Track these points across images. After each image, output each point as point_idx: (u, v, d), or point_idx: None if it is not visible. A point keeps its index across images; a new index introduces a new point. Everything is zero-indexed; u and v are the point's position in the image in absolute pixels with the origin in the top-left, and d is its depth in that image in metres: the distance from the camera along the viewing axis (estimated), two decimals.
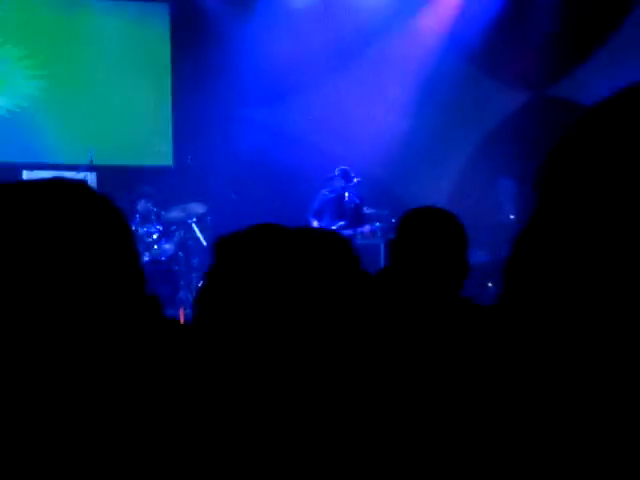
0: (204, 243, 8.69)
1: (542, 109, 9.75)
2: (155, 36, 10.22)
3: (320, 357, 1.64)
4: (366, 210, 9.08)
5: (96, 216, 1.39)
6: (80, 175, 8.36)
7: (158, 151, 10.03)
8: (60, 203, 1.36)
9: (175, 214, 8.79)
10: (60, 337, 1.31)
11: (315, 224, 8.62)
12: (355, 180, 8.89)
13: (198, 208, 8.92)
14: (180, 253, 8.60)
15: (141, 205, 8.74)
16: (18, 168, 9.16)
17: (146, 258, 8.07)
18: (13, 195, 1.38)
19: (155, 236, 8.53)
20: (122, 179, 9.18)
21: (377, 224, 8.90)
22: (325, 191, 9.05)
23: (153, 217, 8.80)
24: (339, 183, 8.93)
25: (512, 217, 8.98)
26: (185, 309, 8.16)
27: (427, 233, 2.89)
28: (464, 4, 9.64)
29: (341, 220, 8.79)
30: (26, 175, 9.03)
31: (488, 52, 9.66)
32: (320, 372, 1.64)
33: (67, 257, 1.34)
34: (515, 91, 10.05)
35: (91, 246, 1.37)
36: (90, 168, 8.88)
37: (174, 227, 8.81)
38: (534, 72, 9.78)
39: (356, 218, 8.88)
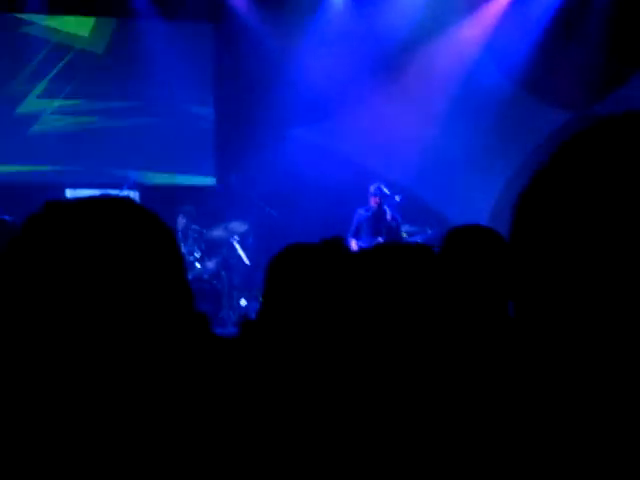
0: (246, 261, 8.93)
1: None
2: (199, 55, 10.49)
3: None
4: (409, 228, 9.18)
5: (148, 233, 1.41)
6: (123, 193, 8.56)
7: (201, 171, 10.41)
8: (113, 220, 1.38)
9: (217, 233, 9.03)
10: (114, 351, 1.33)
11: (354, 244, 8.72)
12: (397, 198, 9.05)
13: (240, 227, 9.18)
14: (222, 272, 8.79)
15: (181, 224, 9.00)
16: (61, 187, 9.60)
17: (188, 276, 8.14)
18: (66, 213, 1.40)
19: (197, 254, 8.77)
20: (164, 198, 9.32)
21: (418, 240, 8.78)
22: (361, 210, 9.21)
23: (194, 235, 9.02)
24: (375, 200, 9.06)
25: None
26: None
27: (474, 250, 2.90)
28: (508, 16, 9.75)
29: (378, 237, 8.83)
30: (69, 193, 9.50)
31: (531, 69, 9.78)
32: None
33: (124, 273, 1.35)
34: (557, 109, 10.11)
35: (145, 263, 1.39)
36: (133, 187, 9.32)
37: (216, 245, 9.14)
38: (577, 90, 9.83)
39: (394, 235, 8.93)
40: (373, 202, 9.15)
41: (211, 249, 9.17)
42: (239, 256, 9.14)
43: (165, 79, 10.25)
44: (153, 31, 10.14)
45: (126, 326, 1.36)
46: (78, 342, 1.32)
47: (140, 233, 1.38)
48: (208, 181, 10.56)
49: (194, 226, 9.11)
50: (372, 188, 9.15)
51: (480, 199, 9.63)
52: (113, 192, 8.48)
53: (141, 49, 10.18)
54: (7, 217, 7.46)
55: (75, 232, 1.35)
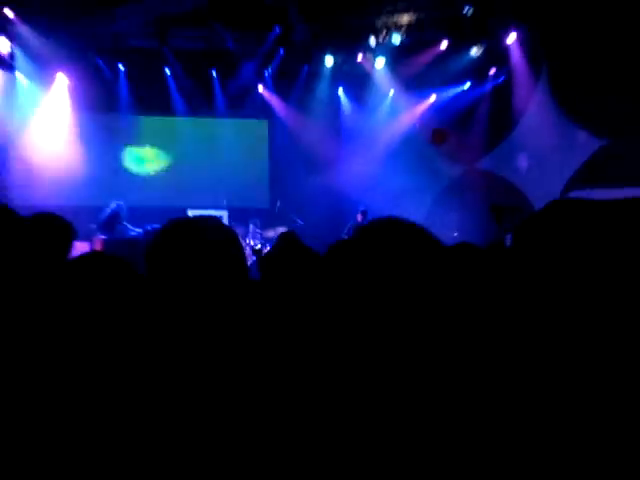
0: None
1: (473, 178, 15.22)
2: (259, 132, 16.72)
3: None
4: None
5: (228, 236, 2.14)
6: (220, 212, 14.39)
7: (261, 199, 16.26)
8: (215, 229, 2.13)
9: (270, 233, 14.12)
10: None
11: None
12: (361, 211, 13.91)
13: (281, 229, 13.39)
14: None
15: (251, 228, 14.24)
16: (184, 208, 14.31)
17: (253, 258, 12.14)
18: (192, 225, 2.13)
19: (259, 246, 13.33)
20: (241, 215, 14.57)
21: None
22: (351, 221, 14.02)
23: (257, 233, 14.08)
24: (359, 216, 13.82)
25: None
26: None
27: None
28: (432, 107, 15.53)
29: None
30: (190, 213, 13.80)
31: (446, 140, 15.23)
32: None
33: (218, 259, 2.04)
34: (457, 164, 15.59)
35: (228, 253, 2.08)
36: (225, 208, 14.84)
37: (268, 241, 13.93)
38: (468, 152, 15.22)
39: None
40: (358, 217, 13.88)
41: (266, 242, 13.69)
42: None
43: (237, 145, 16.10)
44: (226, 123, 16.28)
45: (221, 289, 1.99)
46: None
47: (222, 235, 2.12)
48: (264, 205, 15.94)
49: (257, 229, 14.15)
50: (360, 209, 13.94)
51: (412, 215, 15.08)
52: (213, 212, 14.03)
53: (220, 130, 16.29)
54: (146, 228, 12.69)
55: (193, 236, 2.06)
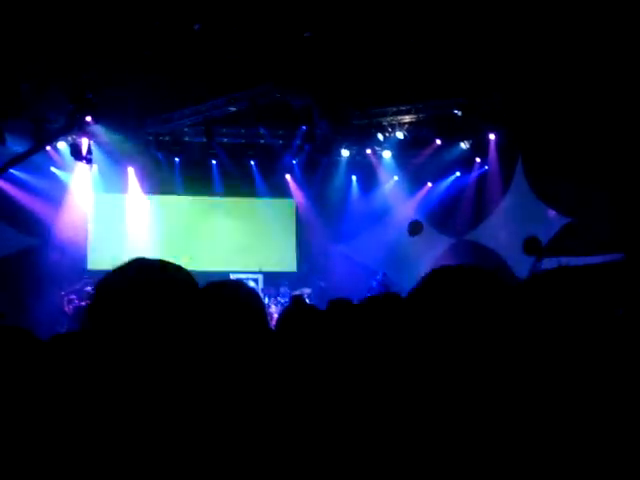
0: None
1: (462, 248, 18.22)
2: (288, 209, 19.95)
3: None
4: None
5: (253, 297, 2.46)
6: (257, 275, 17.79)
7: (290, 264, 19.31)
8: (242, 291, 2.49)
9: (297, 292, 16.35)
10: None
11: None
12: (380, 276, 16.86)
13: (307, 290, 17.06)
14: None
15: (282, 288, 17.24)
16: (226, 273, 16.95)
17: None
18: (226, 286, 2.54)
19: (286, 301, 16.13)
20: (273, 278, 17.90)
21: None
22: (372, 283, 16.62)
23: (287, 293, 16.90)
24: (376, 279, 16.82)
25: None
26: None
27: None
28: (429, 192, 19.02)
29: None
30: (232, 277, 16.64)
31: (435, 215, 18.54)
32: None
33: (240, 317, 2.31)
34: (447, 238, 18.74)
35: (252, 312, 2.37)
36: (259, 272, 17.95)
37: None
38: (457, 226, 18.37)
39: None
40: (375, 281, 16.62)
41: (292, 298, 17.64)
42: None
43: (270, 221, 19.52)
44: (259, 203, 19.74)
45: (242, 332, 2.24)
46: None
47: (247, 296, 2.47)
48: (292, 269, 19.14)
49: (287, 289, 17.10)
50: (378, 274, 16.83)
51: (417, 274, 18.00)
52: (250, 275, 17.41)
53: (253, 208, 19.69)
54: None
55: (225, 295, 2.45)
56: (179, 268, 1.92)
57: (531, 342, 1.88)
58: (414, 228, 17.40)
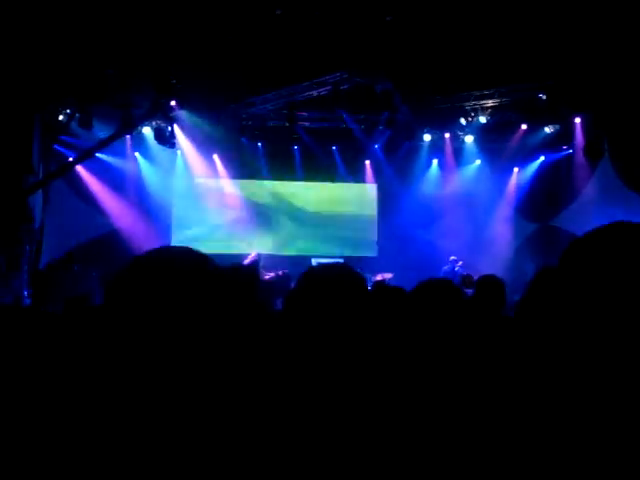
0: None
1: (546, 233, 18.11)
2: (370, 194, 20.07)
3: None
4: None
5: (354, 277, 2.27)
6: (339, 260, 17.04)
7: (371, 249, 19.59)
8: (332, 271, 2.32)
9: (377, 278, 15.88)
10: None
11: None
12: (460, 263, 16.95)
13: (388, 275, 16.50)
14: None
15: (364, 273, 17.95)
16: (309, 257, 17.47)
17: None
18: (314, 272, 2.33)
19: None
20: (354, 262, 16.68)
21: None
22: (445, 267, 16.89)
23: (369, 278, 17.37)
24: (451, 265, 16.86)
25: None
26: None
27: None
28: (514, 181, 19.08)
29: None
30: (314, 261, 16.86)
31: (522, 200, 18.59)
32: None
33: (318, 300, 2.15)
34: (530, 223, 18.62)
35: (356, 287, 2.20)
36: (341, 257, 17.69)
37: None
38: (541, 211, 18.27)
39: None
40: (451, 265, 16.80)
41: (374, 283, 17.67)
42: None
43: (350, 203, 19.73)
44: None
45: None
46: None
47: (345, 273, 2.29)
48: (374, 253, 19.28)
49: (367, 274, 17.62)
50: (451, 258, 17.00)
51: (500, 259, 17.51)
52: (332, 260, 17.10)
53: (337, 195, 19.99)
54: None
55: (313, 280, 2.26)
56: (204, 257, 1.76)
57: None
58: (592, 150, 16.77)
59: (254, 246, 17.16)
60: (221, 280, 1.66)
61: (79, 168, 16.90)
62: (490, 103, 17.44)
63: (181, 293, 1.58)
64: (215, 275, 1.67)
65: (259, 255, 16.22)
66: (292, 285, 2.31)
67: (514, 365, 1.75)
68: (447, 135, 18.60)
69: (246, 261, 15.99)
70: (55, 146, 16.24)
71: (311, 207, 19.52)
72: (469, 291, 13.43)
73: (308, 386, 1.85)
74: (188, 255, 1.70)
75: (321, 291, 2.18)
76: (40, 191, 15.79)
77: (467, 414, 1.86)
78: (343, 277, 2.25)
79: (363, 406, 1.84)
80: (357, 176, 19.76)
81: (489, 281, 5.79)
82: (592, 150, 16.45)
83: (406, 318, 3.16)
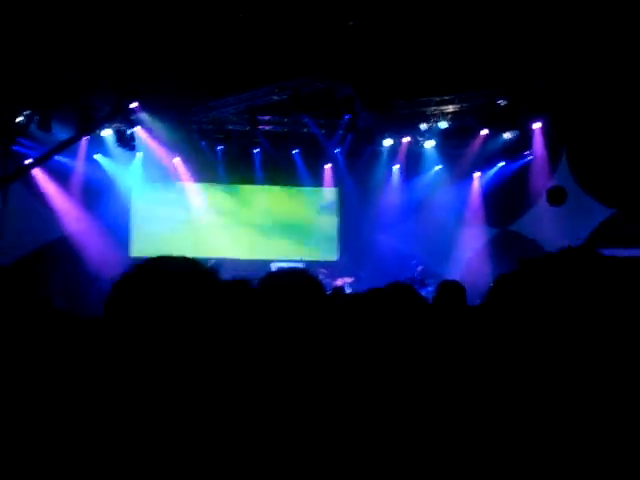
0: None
1: (504, 239, 18.16)
2: (331, 198, 20.05)
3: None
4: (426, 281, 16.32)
5: (312, 283, 2.37)
6: (299, 264, 16.31)
7: (331, 252, 19.73)
8: (301, 278, 2.40)
9: (337, 282, 16.61)
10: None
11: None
12: (419, 268, 16.96)
13: (349, 279, 17.14)
14: None
15: (322, 274, 16.64)
16: (267, 261, 17.27)
17: None
18: (274, 276, 2.45)
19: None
20: (314, 267, 16.88)
21: (429, 289, 14.96)
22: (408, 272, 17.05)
23: (326, 282, 16.27)
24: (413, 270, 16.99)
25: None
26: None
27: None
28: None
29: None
30: (272, 266, 16.45)
31: (481, 205, 18.71)
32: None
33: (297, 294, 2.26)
34: (489, 228, 18.64)
35: (314, 294, 2.31)
36: (300, 261, 17.25)
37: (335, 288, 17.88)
38: (500, 216, 18.32)
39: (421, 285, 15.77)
40: (415, 270, 16.83)
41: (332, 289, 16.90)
42: (347, 292, 14.37)
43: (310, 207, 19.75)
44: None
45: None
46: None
47: (303, 279, 2.39)
48: (334, 257, 19.21)
49: (327, 279, 16.31)
50: (413, 264, 16.99)
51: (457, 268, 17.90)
52: (295, 264, 15.88)
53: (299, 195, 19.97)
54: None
55: (280, 281, 2.39)
56: (198, 264, 1.86)
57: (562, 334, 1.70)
58: (556, 195, 16.57)
59: (213, 250, 17.01)
60: (220, 289, 1.74)
61: (36, 170, 16.63)
62: (450, 108, 17.57)
63: (182, 299, 1.65)
64: (215, 285, 1.75)
65: (217, 262, 16.07)
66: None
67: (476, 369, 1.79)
68: (405, 140, 18.54)
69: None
70: (13, 147, 15.96)
71: (271, 211, 19.43)
72: (424, 290, 14.38)
73: (267, 389, 1.85)
74: (188, 265, 1.79)
75: (278, 297, 2.21)
76: None
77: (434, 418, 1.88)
78: (301, 283, 2.29)
79: (320, 409, 1.84)
80: (318, 180, 19.73)
81: (450, 286, 5.88)
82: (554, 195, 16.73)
83: (364, 322, 2.97)
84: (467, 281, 6.55)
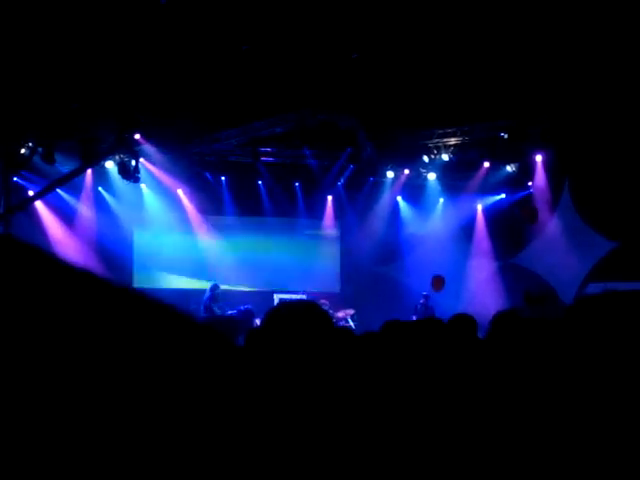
0: (352, 326, 15.47)
1: (507, 271, 18.05)
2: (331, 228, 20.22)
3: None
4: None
5: (313, 312, 2.35)
6: (301, 296, 16.84)
7: (334, 285, 19.54)
8: (299, 309, 2.40)
9: (339, 314, 16.45)
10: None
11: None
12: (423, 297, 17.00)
13: (350, 311, 16.90)
14: None
15: (324, 306, 17.78)
16: (271, 292, 17.79)
17: None
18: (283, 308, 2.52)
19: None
20: (316, 299, 16.63)
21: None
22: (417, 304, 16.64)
23: (331, 314, 17.38)
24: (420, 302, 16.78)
25: None
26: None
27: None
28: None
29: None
30: (276, 296, 17.48)
31: (483, 237, 18.71)
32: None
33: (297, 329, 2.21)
34: (493, 261, 18.52)
35: (316, 322, 2.27)
36: (303, 292, 17.45)
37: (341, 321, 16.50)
38: (502, 249, 18.29)
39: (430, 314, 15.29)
40: (421, 300, 16.53)
41: (337, 321, 15.89)
42: (351, 327, 15.16)
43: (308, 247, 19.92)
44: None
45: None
46: None
47: (308, 311, 2.36)
48: (336, 290, 19.15)
49: (330, 310, 16.86)
50: (422, 294, 16.78)
51: (463, 296, 17.79)
52: (293, 296, 16.92)
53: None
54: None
55: (285, 314, 2.38)
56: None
57: (576, 369, 1.77)
58: (437, 282, 17.49)
59: (216, 281, 16.93)
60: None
61: (38, 203, 16.64)
62: (452, 141, 17.62)
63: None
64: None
65: (215, 285, 16.07)
66: (255, 321, 2.50)
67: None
68: (406, 172, 18.59)
69: (204, 297, 15.90)
70: (16, 179, 15.96)
71: (273, 243, 19.37)
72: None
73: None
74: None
75: (289, 328, 2.19)
76: None
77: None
78: (310, 315, 2.27)
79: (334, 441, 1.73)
80: (319, 212, 19.71)
81: (461, 319, 5.76)
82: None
83: (377, 357, 3.17)
84: (472, 312, 6.62)
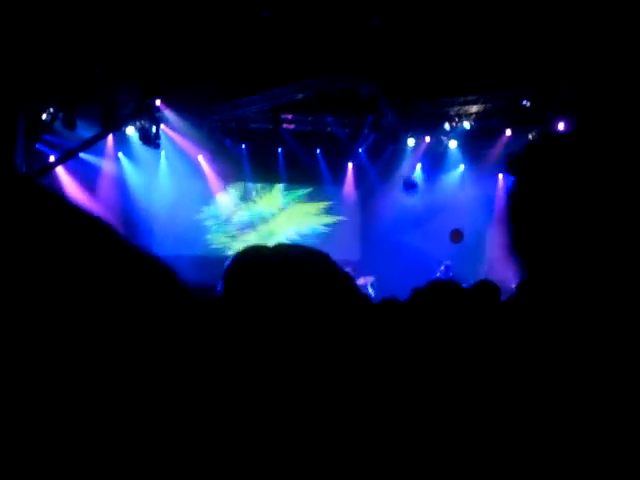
0: (372, 294, 15.31)
1: None
2: (353, 197, 20.20)
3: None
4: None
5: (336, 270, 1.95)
6: None
7: (355, 252, 19.78)
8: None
9: (360, 281, 15.49)
10: None
11: None
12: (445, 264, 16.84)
13: (371, 278, 16.47)
14: None
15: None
16: None
17: None
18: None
19: None
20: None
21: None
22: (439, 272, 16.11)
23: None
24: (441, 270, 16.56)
25: None
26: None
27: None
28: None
29: None
30: None
31: (501, 207, 18.72)
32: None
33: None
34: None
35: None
36: None
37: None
38: None
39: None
40: (442, 268, 16.23)
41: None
42: (370, 294, 15.16)
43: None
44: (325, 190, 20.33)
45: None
46: None
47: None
48: (356, 257, 18.88)
49: (353, 275, 18.06)
50: (443, 263, 16.42)
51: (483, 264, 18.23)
52: None
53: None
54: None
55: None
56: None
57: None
58: (456, 235, 17.72)
59: (235, 249, 16.99)
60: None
61: (59, 169, 16.72)
62: (474, 109, 17.52)
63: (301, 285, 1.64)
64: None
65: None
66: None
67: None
68: (427, 139, 18.53)
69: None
70: (37, 145, 16.04)
71: (294, 210, 19.57)
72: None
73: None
74: (308, 252, 1.79)
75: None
76: None
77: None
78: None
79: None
80: (340, 179, 19.74)
81: (485, 286, 5.68)
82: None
83: (404, 321, 3.06)
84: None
